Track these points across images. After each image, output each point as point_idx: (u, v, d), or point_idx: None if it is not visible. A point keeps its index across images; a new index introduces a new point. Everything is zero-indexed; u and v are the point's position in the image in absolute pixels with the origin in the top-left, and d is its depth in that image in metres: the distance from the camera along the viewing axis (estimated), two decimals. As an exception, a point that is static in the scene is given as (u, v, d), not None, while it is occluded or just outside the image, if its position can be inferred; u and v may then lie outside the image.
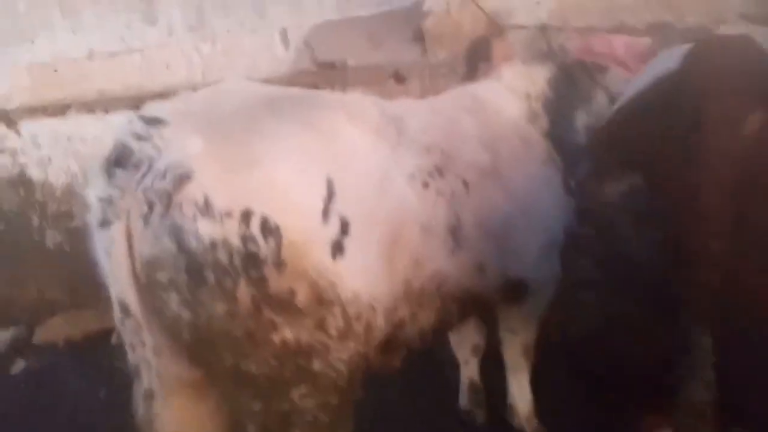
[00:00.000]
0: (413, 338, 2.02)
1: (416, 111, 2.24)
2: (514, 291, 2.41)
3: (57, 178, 4.82)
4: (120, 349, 4.05)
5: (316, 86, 4.16)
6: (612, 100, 2.69)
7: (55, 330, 4.32)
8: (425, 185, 1.96)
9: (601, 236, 1.35)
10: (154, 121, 1.55)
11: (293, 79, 4.23)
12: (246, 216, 1.46)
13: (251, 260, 1.47)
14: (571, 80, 2.69)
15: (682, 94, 1.27)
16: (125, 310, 1.56)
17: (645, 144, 1.29)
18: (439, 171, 2.04)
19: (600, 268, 1.37)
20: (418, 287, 1.93)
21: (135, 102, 4.60)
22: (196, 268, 1.46)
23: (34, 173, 4.89)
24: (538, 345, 2.77)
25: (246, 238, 1.46)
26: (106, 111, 4.67)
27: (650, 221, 1.25)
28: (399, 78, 3.86)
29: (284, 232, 1.49)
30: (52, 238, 4.87)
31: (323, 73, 4.10)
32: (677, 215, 1.20)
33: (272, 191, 1.50)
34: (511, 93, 2.59)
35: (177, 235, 1.46)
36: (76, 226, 4.69)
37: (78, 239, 4.70)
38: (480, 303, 2.31)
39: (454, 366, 3.02)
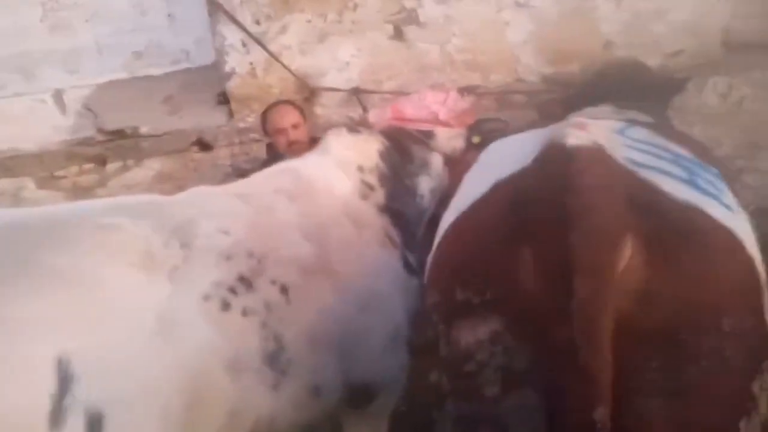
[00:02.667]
0: None
1: (214, 205, 1.84)
2: (360, 396, 2.04)
3: None
4: None
5: (103, 159, 3.56)
6: (448, 161, 2.57)
7: None
8: (225, 306, 1.56)
9: (457, 392, 1.08)
10: None
11: (74, 151, 3.55)
12: None
13: None
14: (403, 149, 2.50)
15: (537, 216, 1.07)
16: None
17: (503, 278, 1.06)
18: (246, 282, 1.66)
19: (460, 430, 1.09)
20: None
21: None
22: None
23: None
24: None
25: None
26: None
27: (519, 379, 1.01)
28: (204, 145, 3.42)
29: None
30: None
31: (111, 143, 3.48)
32: (554, 376, 0.97)
33: None
34: (341, 167, 2.29)
35: None
36: None
37: None
38: (323, 427, 1.95)
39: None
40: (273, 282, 1.74)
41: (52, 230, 1.34)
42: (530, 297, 1.02)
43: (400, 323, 2.09)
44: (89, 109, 3.64)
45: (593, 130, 1.18)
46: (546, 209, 1.03)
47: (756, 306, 1.04)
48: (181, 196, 1.84)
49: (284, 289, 1.76)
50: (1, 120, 3.76)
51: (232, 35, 3.31)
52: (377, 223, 2.24)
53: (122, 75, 3.80)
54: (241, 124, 3.42)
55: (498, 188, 1.19)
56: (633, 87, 2.41)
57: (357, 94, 3.34)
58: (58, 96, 3.75)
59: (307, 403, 1.77)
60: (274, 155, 2.94)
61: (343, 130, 2.49)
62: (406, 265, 2.22)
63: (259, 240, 1.79)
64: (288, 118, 2.91)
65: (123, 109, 3.58)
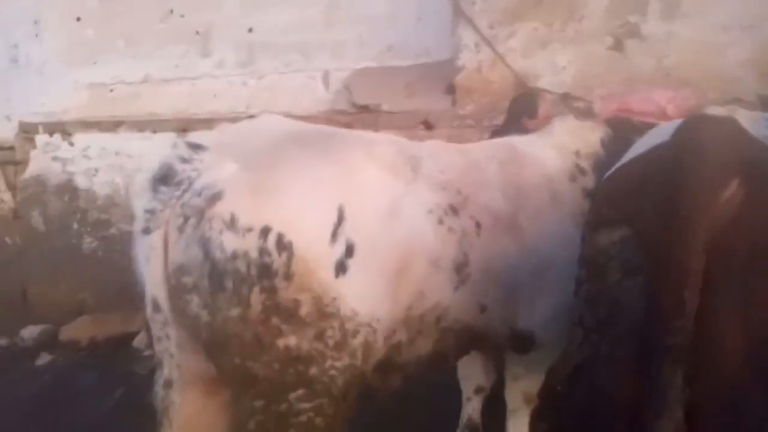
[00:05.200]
0: (410, 363, 2.14)
1: (439, 153, 2.36)
2: (522, 342, 2.46)
3: (101, 188, 5.16)
4: (138, 353, 4.23)
5: (350, 126, 4.45)
6: None
7: (80, 329, 4.56)
8: (440, 221, 2.08)
9: (590, 279, 1.51)
10: (196, 147, 1.79)
11: (330, 118, 4.52)
12: (265, 232, 1.65)
13: (265, 271, 1.65)
14: (626, 139, 2.58)
15: (669, 161, 1.44)
16: (156, 306, 1.75)
17: (636, 201, 1.46)
18: (453, 209, 2.14)
19: (587, 307, 1.52)
20: (419, 315, 2.05)
21: (182, 125, 4.96)
22: (217, 275, 1.65)
23: (81, 182, 5.24)
24: (541, 393, 2.85)
25: (262, 251, 1.64)
26: (154, 131, 5.02)
27: (634, 270, 1.41)
28: (428, 125, 4.10)
29: (296, 248, 1.67)
30: (89, 243, 5.17)
31: (358, 115, 4.37)
32: (659, 267, 1.35)
33: (289, 213, 1.70)
34: (557, 149, 2.64)
35: (205, 245, 1.64)
36: (112, 234, 4.98)
37: (111, 247, 5.00)
38: (482, 342, 2.40)
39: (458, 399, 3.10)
40: (471, 217, 2.19)
41: (340, 137, 2.06)
42: (653, 212, 1.39)
43: (571, 298, 2.43)
44: (347, 88, 4.58)
45: (738, 112, 1.49)
46: (674, 157, 1.40)
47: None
48: (415, 142, 2.45)
49: (478, 225, 2.19)
50: (283, 90, 4.92)
51: (467, 36, 3.93)
52: (578, 204, 2.49)
53: (374, 64, 4.68)
54: (461, 111, 4.02)
55: (647, 149, 1.57)
56: None
57: (566, 99, 3.71)
58: (325, 76, 4.77)
59: (473, 314, 2.22)
60: None
61: (571, 117, 2.80)
62: None
63: (466, 185, 2.25)
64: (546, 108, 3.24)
65: (371, 90, 4.45)
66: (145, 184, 1.75)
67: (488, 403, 3.07)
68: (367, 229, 1.81)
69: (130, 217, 1.84)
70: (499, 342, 2.45)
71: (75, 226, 5.24)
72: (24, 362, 4.17)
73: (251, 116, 2.20)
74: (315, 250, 1.71)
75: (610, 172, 1.71)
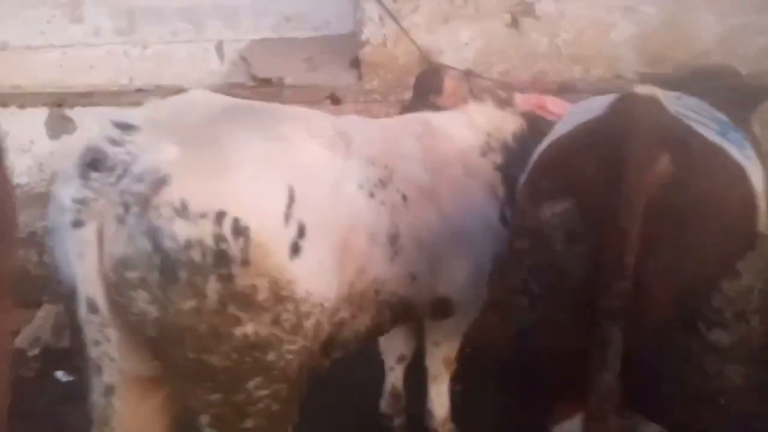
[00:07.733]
0: (350, 340, 2.16)
1: (362, 127, 2.38)
2: (441, 308, 2.59)
3: (-42, 172, 4.49)
4: (23, 354, 3.79)
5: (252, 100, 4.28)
6: None
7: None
8: (371, 195, 2.11)
9: (535, 249, 1.62)
10: (127, 127, 1.62)
11: (228, 92, 4.27)
12: (220, 217, 1.56)
13: (221, 258, 1.56)
14: (538, 132, 2.74)
15: (606, 136, 1.59)
16: (92, 307, 1.58)
17: (576, 175, 1.59)
18: (382, 182, 2.20)
19: (532, 276, 1.64)
20: (360, 291, 2.07)
21: (55, 99, 4.45)
22: (169, 267, 1.53)
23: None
24: (459, 357, 3.03)
25: (218, 238, 1.56)
26: (22, 106, 4.46)
27: (578, 238, 1.54)
28: (335, 100, 4.05)
29: (252, 233, 1.60)
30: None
31: (260, 89, 4.20)
32: (600, 234, 1.49)
33: (242, 196, 1.62)
34: (469, 127, 2.75)
35: (153, 235, 1.52)
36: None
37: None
38: (410, 312, 2.49)
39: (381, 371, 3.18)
40: (398, 190, 2.25)
41: (275, 112, 1.97)
42: (593, 183, 1.53)
43: (485, 263, 2.55)
44: (244, 59, 4.37)
45: (657, 91, 1.66)
46: (611, 133, 1.54)
47: (749, 214, 1.50)
48: (338, 117, 2.43)
49: (404, 198, 2.27)
50: (170, 61, 4.58)
51: (371, 10, 3.91)
52: (488, 176, 2.67)
53: (273, 35, 4.50)
54: (367, 86, 4.01)
55: (580, 125, 1.70)
56: (722, 88, 2.76)
57: (469, 75, 3.84)
58: (219, 46, 4.51)
59: (406, 283, 2.29)
60: None
61: (489, 103, 2.91)
62: (503, 218, 2.64)
63: (390, 158, 2.29)
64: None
65: (271, 62, 4.28)
66: (72, 170, 1.57)
67: (409, 371, 3.19)
68: (316, 208, 1.78)
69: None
70: (422, 310, 2.57)
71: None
72: None
73: (180, 91, 2.04)
74: (270, 233, 1.64)
75: (542, 146, 1.82)
